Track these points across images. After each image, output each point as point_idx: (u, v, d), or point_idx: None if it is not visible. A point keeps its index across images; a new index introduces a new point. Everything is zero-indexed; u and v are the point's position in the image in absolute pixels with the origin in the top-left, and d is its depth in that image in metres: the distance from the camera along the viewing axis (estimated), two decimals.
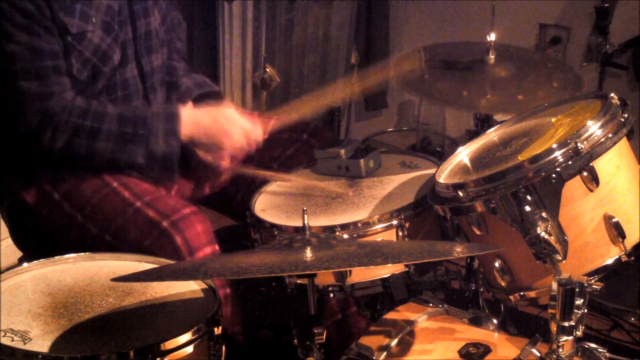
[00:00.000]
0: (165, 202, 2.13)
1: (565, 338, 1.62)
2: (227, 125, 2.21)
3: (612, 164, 1.81)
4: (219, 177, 2.35)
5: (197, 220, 2.08)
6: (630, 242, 1.83)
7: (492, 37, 2.45)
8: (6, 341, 1.56)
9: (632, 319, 2.89)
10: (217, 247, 2.10)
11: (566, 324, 1.61)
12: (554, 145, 1.77)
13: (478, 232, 1.87)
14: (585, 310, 1.63)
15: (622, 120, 1.84)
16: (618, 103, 1.88)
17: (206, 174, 2.34)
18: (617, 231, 1.80)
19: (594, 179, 1.77)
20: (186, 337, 1.60)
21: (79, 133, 2.09)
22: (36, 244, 2.26)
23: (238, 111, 2.27)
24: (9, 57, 2.04)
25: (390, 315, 1.98)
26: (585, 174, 1.77)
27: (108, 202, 2.14)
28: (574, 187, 1.77)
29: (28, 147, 2.13)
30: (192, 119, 2.21)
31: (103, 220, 2.13)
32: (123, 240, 2.09)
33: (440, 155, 3.46)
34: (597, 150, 1.78)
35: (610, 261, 1.82)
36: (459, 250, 1.65)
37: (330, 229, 1.97)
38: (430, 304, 2.01)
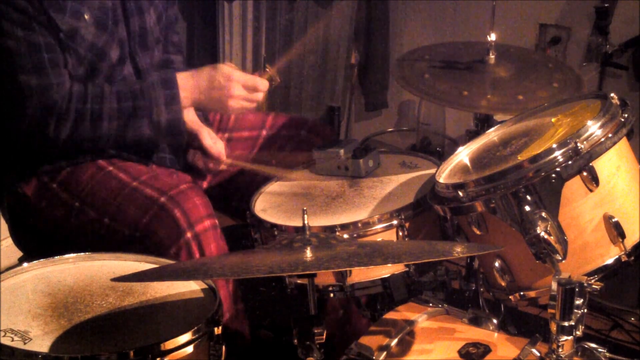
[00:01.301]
0: (162, 179, 2.14)
1: (565, 338, 1.62)
2: (226, 82, 2.20)
3: (612, 164, 1.81)
4: (215, 166, 2.34)
5: (195, 194, 2.08)
6: (630, 242, 1.83)
7: (492, 37, 2.45)
8: (6, 341, 1.56)
9: (632, 319, 2.89)
10: (216, 220, 2.10)
11: (566, 323, 1.61)
12: (554, 145, 1.77)
13: (478, 232, 1.87)
14: (585, 310, 1.63)
15: (622, 120, 1.84)
16: (618, 103, 1.88)
17: (202, 162, 2.34)
18: (617, 231, 1.80)
19: (593, 179, 1.77)
20: (186, 337, 1.60)
21: (82, 118, 2.10)
22: (36, 241, 2.27)
23: (235, 68, 2.26)
24: (7, 53, 2.05)
25: (390, 315, 1.98)
26: (585, 174, 1.77)
27: (104, 185, 2.15)
28: (573, 187, 1.77)
29: (33, 141, 2.14)
30: (190, 81, 2.20)
31: (101, 204, 2.13)
32: (121, 220, 2.10)
33: (440, 155, 3.46)
34: (597, 150, 1.78)
35: (610, 261, 1.82)
36: (459, 250, 1.65)
37: (330, 229, 1.97)
38: (430, 304, 2.01)
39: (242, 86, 2.21)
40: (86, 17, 2.10)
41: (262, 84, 2.25)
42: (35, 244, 2.28)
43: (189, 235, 2.03)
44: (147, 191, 2.10)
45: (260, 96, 2.27)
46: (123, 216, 2.10)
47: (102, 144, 2.15)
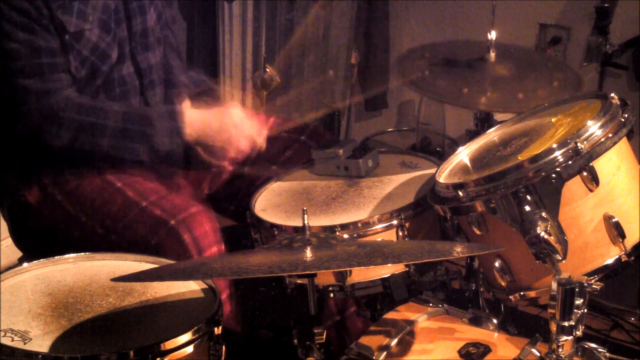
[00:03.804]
0: (172, 200, 2.13)
1: (565, 338, 1.62)
2: (233, 128, 2.21)
3: (612, 164, 1.81)
4: (220, 176, 2.35)
5: (205, 219, 2.08)
6: (630, 242, 1.83)
7: (492, 34, 2.45)
8: (6, 341, 1.56)
9: (632, 319, 2.89)
10: (223, 246, 2.10)
11: (566, 323, 1.61)
12: (554, 145, 1.77)
13: (478, 232, 1.87)
14: (585, 310, 1.63)
15: (622, 120, 1.84)
16: (618, 103, 1.88)
17: (207, 173, 2.34)
18: (617, 231, 1.80)
19: (594, 179, 1.77)
20: (186, 337, 1.60)
21: (83, 129, 2.10)
22: (36, 244, 2.26)
23: (244, 112, 2.26)
24: (8, 55, 2.05)
25: (390, 315, 1.98)
26: (585, 174, 1.77)
27: (113, 202, 2.14)
28: (574, 187, 1.77)
29: (30, 145, 2.14)
30: (198, 119, 2.20)
31: (108, 220, 2.13)
32: (129, 239, 2.09)
33: (440, 155, 3.45)
34: (597, 150, 1.78)
35: (610, 261, 1.82)
36: (459, 250, 1.65)
37: (330, 229, 1.97)
38: (430, 304, 2.01)
39: (246, 138, 2.22)
40: (91, 18, 2.10)
41: (264, 137, 2.26)
42: (36, 245, 2.28)
43: None
44: (156, 212, 2.09)
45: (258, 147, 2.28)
46: (131, 236, 2.09)
47: (98, 159, 2.15)
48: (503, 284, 1.90)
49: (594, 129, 1.79)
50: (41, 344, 1.57)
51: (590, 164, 1.77)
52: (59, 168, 2.18)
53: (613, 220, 1.80)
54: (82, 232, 2.15)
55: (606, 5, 3.09)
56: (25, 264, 1.85)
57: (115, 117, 2.12)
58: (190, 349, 1.60)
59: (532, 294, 1.87)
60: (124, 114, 2.14)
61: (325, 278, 1.99)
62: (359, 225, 1.99)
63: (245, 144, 2.22)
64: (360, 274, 1.99)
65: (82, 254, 1.90)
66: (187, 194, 2.38)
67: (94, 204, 2.15)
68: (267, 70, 2.31)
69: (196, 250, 2.03)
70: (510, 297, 1.90)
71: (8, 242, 2.52)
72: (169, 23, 2.43)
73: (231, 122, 2.21)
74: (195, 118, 2.20)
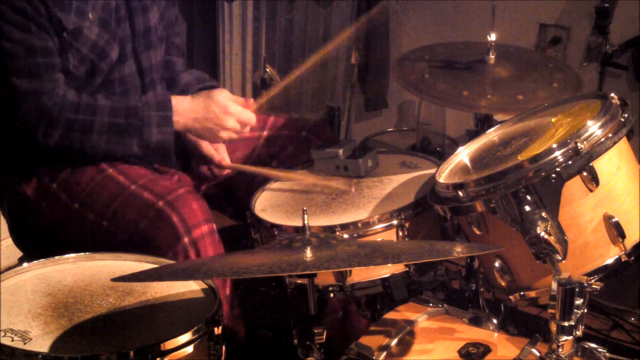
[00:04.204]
0: (160, 183, 2.14)
1: (565, 338, 1.62)
2: (220, 112, 2.21)
3: (612, 164, 1.81)
4: (219, 171, 2.35)
5: (192, 199, 2.09)
6: (630, 242, 1.83)
7: (492, 37, 2.45)
8: (6, 341, 1.56)
9: (632, 319, 2.89)
10: (214, 225, 2.10)
11: (566, 323, 1.61)
12: (554, 145, 1.77)
13: (478, 232, 1.87)
14: (585, 310, 1.63)
15: (622, 120, 1.84)
16: (618, 103, 1.88)
17: (206, 168, 2.34)
18: (617, 231, 1.80)
19: (593, 179, 1.77)
20: (186, 337, 1.60)
21: (73, 127, 2.10)
22: (36, 242, 2.27)
23: (230, 95, 2.27)
24: (2, 55, 2.04)
25: (390, 315, 1.98)
26: (585, 174, 1.77)
27: (103, 188, 2.15)
28: (573, 187, 1.77)
29: (28, 144, 2.14)
30: (185, 107, 2.21)
31: (99, 206, 2.14)
32: (119, 224, 2.10)
33: (440, 155, 3.45)
34: (597, 150, 1.78)
35: (610, 261, 1.82)
36: (459, 250, 1.65)
37: (330, 229, 1.97)
38: (430, 304, 2.01)
39: (236, 120, 2.22)
40: (90, 16, 2.10)
41: (253, 118, 2.26)
42: (35, 244, 2.28)
43: (186, 240, 2.03)
44: (144, 195, 2.10)
45: (248, 130, 2.29)
46: (121, 220, 2.10)
47: (91, 155, 2.16)
48: (503, 284, 1.90)
49: (594, 129, 1.79)
50: (41, 344, 1.57)
51: (590, 164, 1.77)
52: (55, 160, 2.18)
53: (613, 220, 1.80)
54: (76, 222, 2.16)
55: (606, 5, 3.09)
56: (25, 264, 1.85)
57: (102, 112, 2.12)
58: (190, 349, 1.60)
59: (532, 294, 1.87)
60: (111, 108, 2.13)
61: (325, 278, 1.99)
62: (359, 225, 1.99)
63: (235, 127, 2.23)
64: (360, 274, 1.99)
65: (82, 254, 1.90)
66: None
67: (86, 192, 2.16)
68: (267, 70, 2.31)
69: (185, 230, 2.04)
70: (510, 297, 1.90)
71: (8, 242, 2.52)
72: (172, 23, 2.44)
73: (217, 108, 2.21)
74: (181, 107, 2.21)
